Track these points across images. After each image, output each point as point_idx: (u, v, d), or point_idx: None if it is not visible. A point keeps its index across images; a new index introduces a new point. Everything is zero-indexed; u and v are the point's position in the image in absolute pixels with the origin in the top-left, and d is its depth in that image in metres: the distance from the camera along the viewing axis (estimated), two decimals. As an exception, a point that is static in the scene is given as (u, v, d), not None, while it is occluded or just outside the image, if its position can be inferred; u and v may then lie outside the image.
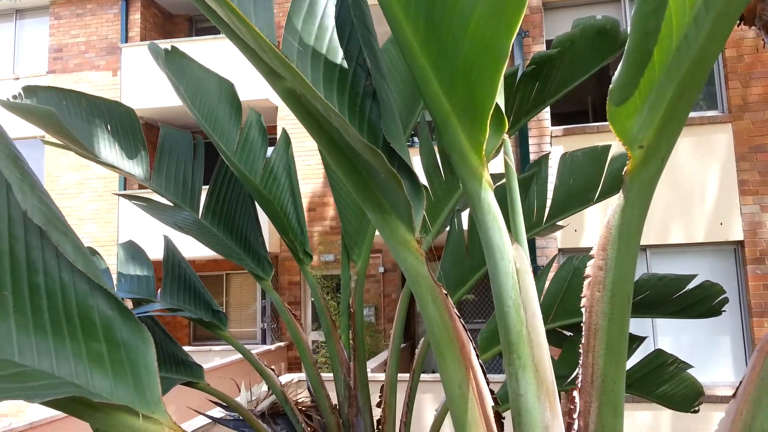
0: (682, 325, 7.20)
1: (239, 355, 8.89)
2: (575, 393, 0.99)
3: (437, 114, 0.97)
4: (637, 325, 5.72)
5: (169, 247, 3.17)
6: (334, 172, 2.81)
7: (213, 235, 2.94)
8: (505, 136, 1.01)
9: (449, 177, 3.04)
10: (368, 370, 3.04)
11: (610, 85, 0.86)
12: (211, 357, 9.43)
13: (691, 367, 3.38)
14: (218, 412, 3.82)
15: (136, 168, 2.84)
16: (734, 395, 0.94)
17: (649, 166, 0.88)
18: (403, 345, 9.95)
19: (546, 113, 7.96)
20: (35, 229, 0.96)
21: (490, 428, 1.03)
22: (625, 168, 0.91)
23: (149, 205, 2.90)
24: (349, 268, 3.14)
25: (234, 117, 2.99)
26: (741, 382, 0.93)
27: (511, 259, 1.00)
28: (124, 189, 11.89)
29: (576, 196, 3.17)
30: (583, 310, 0.97)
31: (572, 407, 1.00)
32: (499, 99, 0.96)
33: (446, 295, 1.03)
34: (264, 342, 11.45)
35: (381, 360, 8.19)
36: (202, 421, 5.17)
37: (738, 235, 7.25)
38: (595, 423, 0.96)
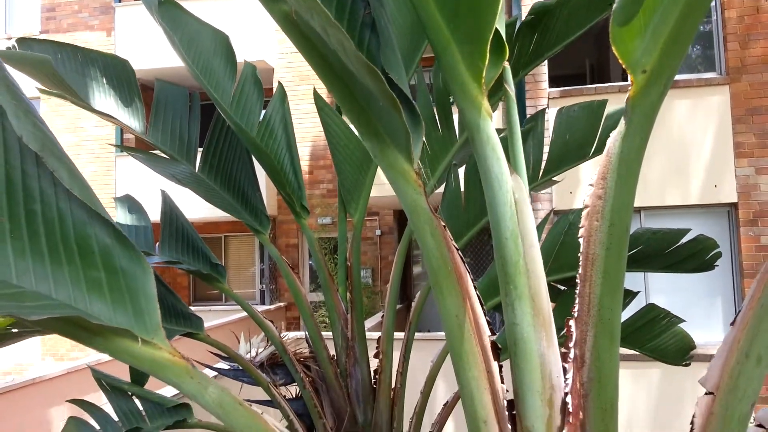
0: (674, 285, 7.29)
1: (238, 315, 8.97)
2: (571, 322, 1.00)
3: (437, 42, 0.96)
4: (630, 282, 5.78)
5: (167, 202, 3.17)
6: (331, 123, 2.79)
7: (210, 188, 2.93)
8: (506, 64, 1.00)
9: (446, 131, 3.03)
10: (366, 328, 3.08)
11: (614, 5, 0.84)
12: (210, 317, 9.47)
13: (682, 321, 3.43)
14: (219, 365, 3.87)
15: (131, 120, 2.81)
16: (732, 323, 0.95)
17: (651, 92, 0.87)
18: (399, 306, 10.05)
19: (544, 74, 7.87)
20: (31, 158, 0.95)
21: (486, 358, 1.05)
22: (628, 94, 0.90)
23: (146, 157, 2.88)
24: (346, 223, 3.14)
25: (229, 69, 2.96)
26: (739, 311, 0.95)
27: (510, 189, 1.00)
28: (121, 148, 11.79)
29: (572, 151, 3.16)
30: (580, 240, 0.98)
31: (568, 337, 1.01)
32: (500, 25, 0.95)
33: (444, 227, 1.03)
34: (263, 303, 11.55)
35: (378, 320, 8.27)
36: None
37: (732, 197, 7.28)
38: (591, 351, 0.97)
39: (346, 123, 2.89)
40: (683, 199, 7.35)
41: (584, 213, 0.97)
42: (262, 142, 2.91)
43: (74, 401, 2.95)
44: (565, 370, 1.01)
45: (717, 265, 3.13)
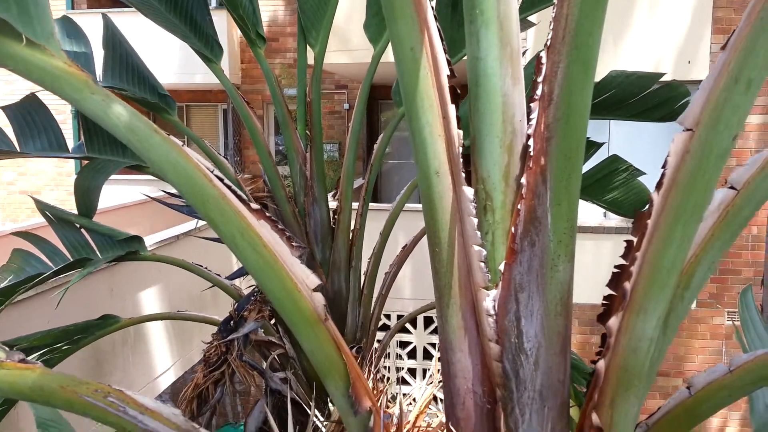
0: (635, 152, 7.31)
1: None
2: (542, 53, 0.88)
3: None
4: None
5: (109, 27, 2.88)
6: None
7: (154, 7, 2.65)
8: None
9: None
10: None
11: None
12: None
13: (643, 174, 3.40)
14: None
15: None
16: (723, 47, 0.85)
17: None
18: (362, 182, 9.98)
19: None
20: None
21: (443, 101, 0.93)
22: None
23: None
24: (306, 55, 2.93)
25: None
26: (734, 32, 0.84)
27: None
28: None
29: (552, -14, 2.92)
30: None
31: (537, 72, 0.89)
32: None
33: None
34: (225, 175, 11.36)
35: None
36: (166, 234, 5.25)
37: (704, 74, 7.17)
38: (561, 85, 0.86)
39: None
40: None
41: None
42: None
43: (18, 233, 2.82)
44: (529, 111, 0.90)
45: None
